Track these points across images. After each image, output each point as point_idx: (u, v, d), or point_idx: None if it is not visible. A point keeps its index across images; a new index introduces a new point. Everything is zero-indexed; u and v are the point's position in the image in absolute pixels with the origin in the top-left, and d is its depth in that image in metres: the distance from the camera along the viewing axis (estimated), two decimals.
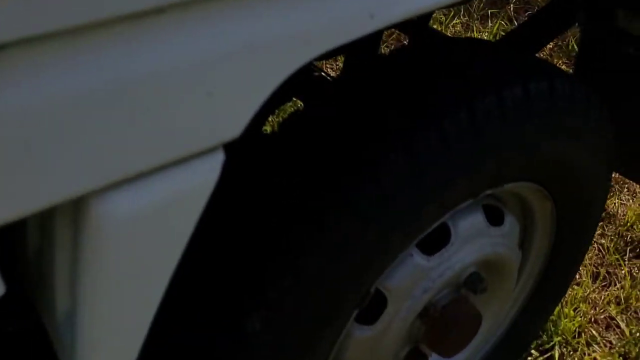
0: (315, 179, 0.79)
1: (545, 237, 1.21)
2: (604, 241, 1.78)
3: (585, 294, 1.62)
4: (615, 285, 1.65)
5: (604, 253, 1.74)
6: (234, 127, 0.48)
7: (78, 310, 0.49)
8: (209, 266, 0.75)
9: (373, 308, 0.96)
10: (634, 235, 1.78)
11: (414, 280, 0.96)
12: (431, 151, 0.80)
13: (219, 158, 0.49)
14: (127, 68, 0.40)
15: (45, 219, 0.49)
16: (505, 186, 0.98)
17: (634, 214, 1.81)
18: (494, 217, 1.06)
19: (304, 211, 0.76)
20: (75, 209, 0.44)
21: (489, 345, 1.34)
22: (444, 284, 1.01)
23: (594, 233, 1.33)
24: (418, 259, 0.95)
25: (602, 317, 1.58)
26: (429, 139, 0.80)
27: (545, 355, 1.47)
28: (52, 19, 0.36)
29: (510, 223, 1.08)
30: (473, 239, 1.01)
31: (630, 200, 1.87)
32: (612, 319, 1.57)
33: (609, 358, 1.46)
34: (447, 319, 1.04)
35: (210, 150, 0.47)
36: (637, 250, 1.76)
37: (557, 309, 1.54)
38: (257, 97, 0.48)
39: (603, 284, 1.67)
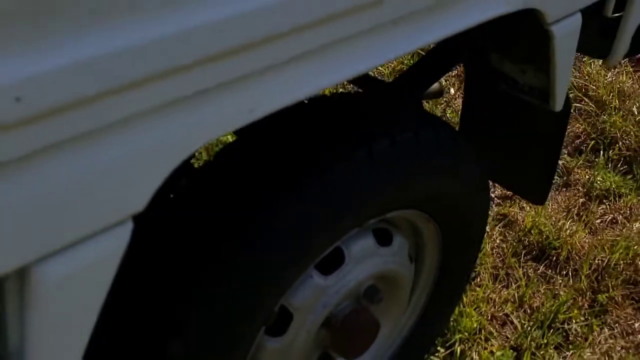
0: (222, 221, 0.97)
1: (434, 252, 1.43)
2: (504, 245, 2.03)
3: (486, 294, 1.86)
4: (512, 285, 1.90)
5: (503, 257, 1.99)
6: (137, 205, 0.66)
7: (25, 347, 0.66)
8: (136, 303, 0.93)
9: (281, 322, 1.15)
10: (530, 240, 2.04)
11: (315, 297, 1.15)
12: (317, 195, 1.00)
13: (128, 227, 0.67)
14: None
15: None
16: (388, 215, 1.19)
17: (531, 220, 2.07)
18: (385, 237, 1.27)
19: (212, 250, 0.95)
20: (20, 275, 0.61)
21: (396, 344, 1.55)
22: (342, 298, 1.21)
23: (480, 245, 1.56)
24: (317, 279, 1.14)
25: (499, 314, 1.82)
26: (315, 185, 1.00)
27: (449, 350, 1.70)
28: None
29: (399, 242, 1.29)
30: (365, 259, 1.21)
31: (528, 208, 2.13)
32: (508, 316, 1.81)
33: (502, 351, 1.70)
34: (347, 327, 1.24)
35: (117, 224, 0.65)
36: (533, 252, 2.01)
37: (459, 308, 1.77)
38: (154, 182, 0.67)
39: (502, 284, 1.91)
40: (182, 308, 0.93)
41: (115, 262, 0.67)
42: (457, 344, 1.71)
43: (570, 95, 2.65)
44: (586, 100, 2.59)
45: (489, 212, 1.78)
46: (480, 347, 1.71)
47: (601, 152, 2.38)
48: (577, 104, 2.57)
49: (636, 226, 2.09)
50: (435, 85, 1.74)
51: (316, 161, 1.00)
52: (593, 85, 2.64)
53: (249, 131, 0.80)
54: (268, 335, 1.14)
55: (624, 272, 1.91)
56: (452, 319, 1.73)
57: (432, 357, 1.69)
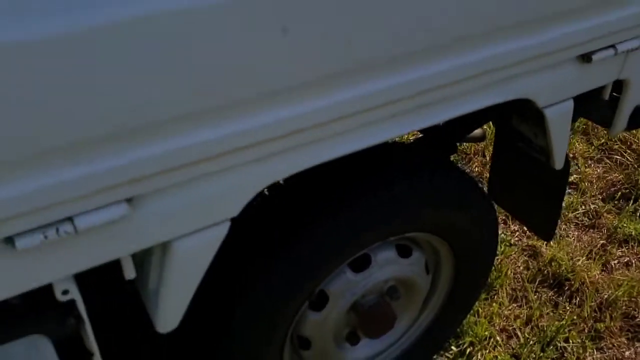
0: (294, 226, 1.42)
1: (448, 268, 1.82)
2: (525, 272, 2.37)
3: (500, 310, 2.21)
4: (524, 306, 2.24)
5: (522, 281, 2.33)
6: (233, 213, 1.13)
7: (160, 291, 1.14)
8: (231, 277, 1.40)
9: (320, 302, 1.59)
10: (548, 270, 2.36)
11: (346, 287, 1.59)
12: (351, 216, 1.44)
13: (227, 224, 1.13)
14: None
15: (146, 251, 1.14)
16: (406, 234, 1.60)
17: (551, 253, 2.40)
18: (406, 251, 1.68)
19: (282, 244, 1.40)
20: (164, 245, 1.09)
21: (414, 337, 1.95)
22: (367, 291, 1.63)
23: (492, 264, 1.93)
24: (349, 274, 1.58)
25: (509, 328, 2.18)
26: (351, 209, 1.43)
27: (460, 349, 2.08)
28: None
29: (417, 256, 1.70)
30: (387, 265, 1.63)
31: (554, 244, 2.45)
32: (515, 330, 2.16)
33: (504, 356, 2.06)
34: (370, 314, 1.67)
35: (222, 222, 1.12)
36: (548, 281, 2.33)
37: (475, 318, 2.14)
38: (244, 201, 1.13)
39: (516, 304, 2.26)
40: (262, 279, 1.39)
41: (218, 244, 1.14)
42: (467, 346, 2.08)
43: (615, 147, 2.92)
44: (628, 152, 2.86)
45: (515, 242, 2.13)
46: (486, 351, 2.08)
47: (631, 201, 2.65)
48: (618, 156, 2.84)
49: None
50: (479, 131, 2.12)
51: (352, 192, 1.44)
52: (636, 139, 2.89)
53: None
54: (310, 309, 1.59)
55: (624, 308, 2.21)
56: (467, 326, 2.11)
57: (445, 353, 2.07)
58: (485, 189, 2.09)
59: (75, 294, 1.07)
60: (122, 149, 0.90)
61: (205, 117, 0.95)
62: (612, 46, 1.48)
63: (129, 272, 1.10)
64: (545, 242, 2.46)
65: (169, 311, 1.19)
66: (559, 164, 1.70)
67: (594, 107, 1.74)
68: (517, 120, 1.75)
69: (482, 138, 2.19)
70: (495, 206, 1.86)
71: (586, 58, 1.45)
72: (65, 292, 1.06)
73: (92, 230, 0.94)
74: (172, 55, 0.86)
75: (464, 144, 2.84)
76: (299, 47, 0.97)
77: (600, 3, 1.38)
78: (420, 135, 2.02)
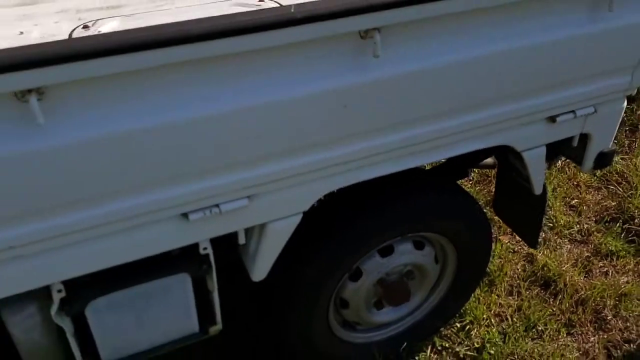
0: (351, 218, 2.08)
1: (453, 260, 2.44)
2: (522, 273, 2.95)
3: (498, 300, 2.81)
4: (517, 298, 2.83)
5: (518, 279, 2.91)
6: (304, 208, 1.80)
7: (256, 254, 1.83)
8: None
9: (356, 275, 2.25)
10: (540, 273, 2.93)
11: (375, 267, 2.24)
12: (381, 218, 2.09)
13: (300, 215, 1.81)
14: None
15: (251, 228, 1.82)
16: (420, 234, 2.24)
17: (544, 260, 2.97)
18: (421, 245, 2.32)
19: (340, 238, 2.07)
20: (262, 226, 1.77)
21: (426, 311, 2.57)
22: (390, 271, 2.28)
23: (487, 261, 2.53)
24: (377, 258, 2.23)
25: (502, 313, 2.77)
26: (379, 214, 2.09)
27: (461, 325, 2.69)
28: None
29: (428, 250, 2.33)
30: (406, 254, 2.27)
31: (549, 253, 3.02)
32: (507, 315, 2.75)
33: (494, 333, 2.65)
34: (392, 288, 2.32)
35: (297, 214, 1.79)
36: (540, 281, 2.90)
37: (477, 303, 2.75)
38: (312, 200, 1.80)
39: (511, 296, 2.85)
40: (321, 254, 2.06)
41: (293, 227, 1.81)
42: (467, 323, 2.69)
43: (613, 179, 3.46)
44: (623, 184, 3.39)
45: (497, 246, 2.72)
46: (481, 329, 2.68)
47: (618, 223, 3.19)
48: (613, 186, 3.38)
49: (622, 279, 2.91)
50: (490, 160, 2.73)
51: (382, 202, 2.09)
52: (631, 173, 3.42)
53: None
54: (349, 280, 2.25)
55: (594, 305, 2.77)
56: (469, 309, 2.72)
57: (450, 328, 2.69)
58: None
59: (210, 250, 1.77)
60: (255, 168, 1.58)
61: (306, 150, 1.62)
62: (573, 112, 2.08)
63: (241, 239, 1.80)
64: (541, 252, 3.04)
65: (260, 267, 1.88)
66: (537, 191, 2.30)
67: (568, 149, 2.33)
68: (512, 157, 2.36)
69: (493, 166, 2.79)
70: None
71: (552, 119, 2.06)
72: (204, 249, 1.76)
73: (228, 212, 1.64)
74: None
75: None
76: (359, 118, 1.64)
77: (560, 83, 1.98)
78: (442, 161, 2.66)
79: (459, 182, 2.86)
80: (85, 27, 2.33)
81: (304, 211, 1.80)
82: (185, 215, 1.60)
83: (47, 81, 1.24)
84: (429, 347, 2.57)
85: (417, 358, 2.52)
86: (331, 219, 2.08)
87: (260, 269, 1.88)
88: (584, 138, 2.26)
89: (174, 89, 1.39)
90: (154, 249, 1.64)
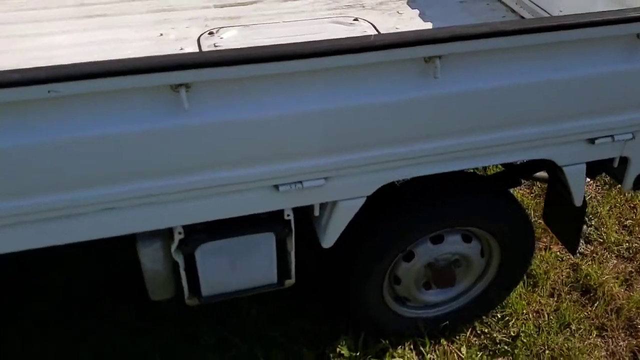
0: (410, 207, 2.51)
1: (497, 256, 2.79)
2: (566, 279, 3.22)
3: (539, 298, 3.11)
4: (557, 299, 3.11)
5: (561, 284, 3.19)
6: (367, 193, 2.23)
7: (327, 225, 2.28)
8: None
9: (409, 257, 2.65)
10: (583, 280, 3.19)
11: (426, 251, 2.63)
12: (435, 210, 2.49)
13: (364, 199, 2.24)
14: None
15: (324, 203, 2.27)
16: (468, 228, 2.61)
17: (588, 269, 3.23)
18: (468, 239, 2.68)
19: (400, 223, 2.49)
20: (333, 203, 2.22)
21: (469, 299, 2.92)
22: (439, 257, 2.66)
23: (530, 260, 2.84)
24: (429, 244, 2.62)
25: (541, 310, 3.07)
26: (435, 207, 2.49)
27: (501, 316, 3.02)
28: None
29: (475, 244, 2.69)
30: (454, 244, 2.65)
31: (594, 265, 3.28)
32: (545, 312, 3.05)
33: (529, 325, 2.96)
34: (440, 272, 2.70)
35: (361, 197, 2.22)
36: (581, 288, 3.17)
37: (517, 299, 3.06)
38: (373, 188, 2.23)
39: (552, 297, 3.14)
40: (381, 234, 2.48)
41: (358, 208, 2.24)
42: (507, 315, 3.02)
43: None
44: None
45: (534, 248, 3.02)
46: (519, 321, 3.00)
47: None
48: None
49: None
50: (544, 175, 3.03)
51: (439, 198, 2.48)
52: None
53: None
54: (403, 260, 2.65)
55: (629, 313, 3.00)
56: (511, 303, 3.04)
57: (491, 317, 3.03)
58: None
59: (292, 217, 2.24)
60: (332, 156, 2.04)
61: (374, 145, 2.06)
62: (611, 136, 2.37)
63: (316, 212, 2.26)
64: (587, 263, 3.30)
65: (329, 237, 2.32)
66: (577, 202, 2.60)
67: (610, 168, 2.61)
68: (559, 171, 2.66)
69: (545, 180, 3.09)
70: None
71: (591, 141, 2.37)
72: (288, 215, 2.24)
73: (308, 189, 2.10)
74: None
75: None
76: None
77: (599, 111, 2.28)
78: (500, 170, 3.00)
79: (513, 191, 3.18)
80: (211, 33, 2.89)
81: (367, 195, 2.23)
82: (276, 186, 2.08)
83: (193, 79, 1.75)
84: (469, 330, 2.92)
85: (457, 337, 2.88)
86: (393, 205, 2.49)
87: (329, 238, 2.33)
88: (625, 160, 2.54)
89: (289, 91, 1.84)
90: (252, 209, 2.13)
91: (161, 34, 2.89)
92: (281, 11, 3.09)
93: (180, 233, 2.16)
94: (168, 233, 2.20)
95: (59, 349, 2.64)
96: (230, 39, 2.76)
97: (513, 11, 3.04)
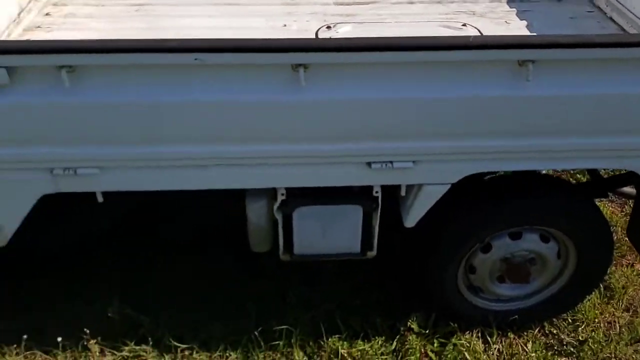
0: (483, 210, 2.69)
1: (573, 260, 2.87)
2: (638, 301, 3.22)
3: (612, 310, 3.14)
4: (631, 314, 3.13)
5: (638, 300, 3.20)
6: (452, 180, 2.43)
7: (411, 206, 2.50)
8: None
9: (487, 249, 2.81)
10: None
11: (504, 245, 2.78)
12: (516, 209, 2.64)
13: (448, 186, 2.44)
14: None
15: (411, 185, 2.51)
16: (547, 229, 2.72)
17: None
18: (546, 239, 2.79)
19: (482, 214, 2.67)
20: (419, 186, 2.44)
21: (542, 299, 3.01)
22: (516, 253, 2.79)
23: (605, 270, 2.90)
24: (507, 239, 2.77)
25: (613, 321, 3.10)
26: (518, 205, 2.64)
27: (574, 319, 3.09)
28: None
29: (552, 244, 2.79)
30: (531, 243, 2.77)
31: None
32: (617, 322, 3.07)
33: (598, 332, 3.00)
34: (514, 267, 2.84)
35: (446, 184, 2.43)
36: None
37: (591, 308, 3.12)
38: (457, 177, 2.43)
39: (627, 312, 3.15)
40: (465, 221, 2.67)
41: (442, 193, 2.45)
42: (578, 320, 3.09)
43: None
44: None
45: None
46: (588, 327, 3.06)
47: None
48: None
49: None
50: (632, 191, 3.06)
51: (524, 196, 2.63)
52: None
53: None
54: (480, 251, 2.82)
55: None
56: (584, 309, 3.11)
57: (562, 320, 3.11)
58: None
59: (379, 194, 2.50)
60: (424, 142, 2.27)
61: (464, 136, 2.25)
62: None
63: (402, 192, 2.49)
64: None
65: (412, 217, 2.55)
66: None
67: None
68: None
69: (631, 196, 3.11)
70: None
71: None
72: (376, 192, 2.49)
73: (398, 169, 2.34)
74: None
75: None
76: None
77: None
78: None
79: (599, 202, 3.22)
80: (328, 27, 3.21)
81: (452, 183, 2.44)
82: (369, 164, 2.34)
83: (310, 61, 2.05)
84: (537, 328, 3.03)
85: (525, 333, 3.00)
86: (478, 196, 2.66)
87: (411, 218, 2.55)
88: None
89: (390, 78, 2.10)
90: (345, 182, 2.41)
91: (285, 25, 3.23)
92: (395, 12, 3.33)
93: (282, 194, 2.48)
94: (272, 194, 2.53)
95: (168, 280, 3.07)
96: (345, 34, 3.05)
97: (623, 30, 3.08)
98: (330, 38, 2.28)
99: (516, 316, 3.00)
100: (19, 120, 2.10)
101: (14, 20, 2.89)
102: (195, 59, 1.99)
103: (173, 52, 1.98)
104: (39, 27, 3.08)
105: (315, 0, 3.49)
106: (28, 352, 2.74)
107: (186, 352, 2.80)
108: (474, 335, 2.94)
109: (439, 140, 2.28)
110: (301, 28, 3.17)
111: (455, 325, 2.92)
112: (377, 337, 2.87)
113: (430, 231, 2.70)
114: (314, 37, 3.02)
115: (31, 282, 3.05)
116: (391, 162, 2.33)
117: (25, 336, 2.70)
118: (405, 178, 2.41)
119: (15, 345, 2.73)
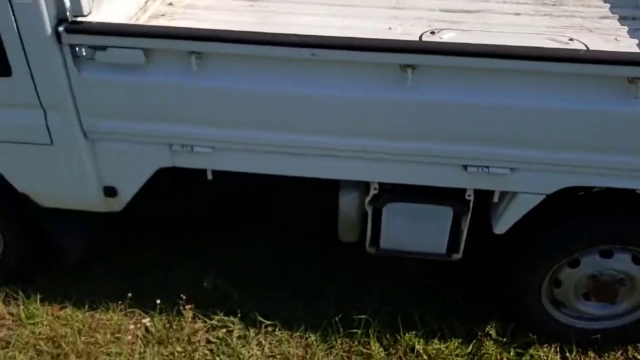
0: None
1: None
2: None
3: None
4: None
5: None
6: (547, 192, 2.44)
7: (503, 213, 2.53)
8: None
9: (574, 264, 2.77)
10: None
11: (592, 262, 2.73)
12: (609, 228, 2.60)
13: (543, 196, 2.45)
14: None
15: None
16: (636, 249, 2.65)
17: None
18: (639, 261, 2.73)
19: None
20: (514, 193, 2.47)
21: (629, 321, 2.92)
22: (604, 272, 2.74)
23: None
24: (596, 257, 2.72)
25: None
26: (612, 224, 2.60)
27: None
28: None
29: None
30: (622, 263, 2.71)
31: None
32: None
33: None
34: (601, 286, 2.78)
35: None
36: None
37: None
38: (551, 189, 2.43)
39: None
40: (557, 235, 2.65)
41: (534, 204, 2.46)
42: None
43: None
44: None
45: None
46: None
47: None
48: None
49: None
50: None
51: (616, 214, 2.59)
52: None
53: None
54: (567, 265, 2.79)
55: None
56: None
57: None
58: None
59: (472, 198, 2.54)
60: (522, 150, 2.30)
61: (561, 148, 2.27)
62: None
63: (495, 198, 2.52)
64: None
65: (503, 224, 2.57)
66: None
67: None
68: None
69: None
70: None
71: None
72: (469, 195, 2.54)
73: (493, 175, 2.37)
74: None
75: None
76: None
77: None
78: None
79: None
80: (432, 32, 3.27)
81: (547, 194, 2.44)
82: (465, 167, 2.40)
83: (419, 62, 2.14)
84: (620, 351, 2.95)
85: (606, 354, 2.93)
86: (571, 209, 2.64)
87: (502, 225, 2.58)
88: None
89: (493, 84, 2.15)
90: (439, 182, 2.48)
91: (389, 28, 3.32)
92: (501, 22, 3.32)
93: (375, 189, 2.58)
94: (365, 187, 2.63)
95: (258, 259, 3.25)
96: (449, 40, 3.10)
97: None
98: (440, 41, 2.35)
99: (598, 335, 2.93)
100: (149, 97, 2.32)
101: (141, 8, 3.15)
102: (312, 54, 2.12)
103: (292, 46, 2.13)
104: (162, 15, 3.33)
105: (421, 6, 3.55)
106: (129, 310, 2.99)
107: (269, 329, 2.95)
108: (552, 349, 2.91)
109: (538, 150, 2.30)
110: (405, 32, 3.24)
111: (534, 336, 2.91)
112: (453, 339, 2.91)
113: (518, 240, 2.71)
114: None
115: (139, 247, 3.32)
116: (488, 167, 2.37)
117: (130, 294, 2.95)
118: (501, 184, 2.45)
119: (120, 302, 2.99)
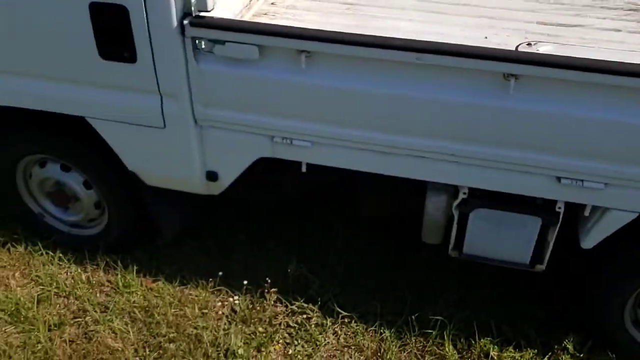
0: None
1: None
2: None
3: None
4: None
5: None
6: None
7: (594, 227, 2.51)
8: None
9: None
10: None
11: None
12: None
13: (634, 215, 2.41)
14: None
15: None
16: None
17: None
18: None
19: None
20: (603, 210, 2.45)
21: None
22: None
23: None
24: None
25: None
26: None
27: None
28: None
29: None
30: None
31: None
32: None
33: None
34: None
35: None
36: None
37: None
38: None
39: None
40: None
41: (626, 222, 2.42)
42: None
43: None
44: None
45: None
46: None
47: None
48: None
49: None
50: None
51: None
52: None
53: None
54: None
55: None
56: None
57: None
58: None
59: (562, 210, 2.53)
60: (616, 165, 2.27)
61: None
62: None
63: (587, 212, 2.49)
64: None
65: (591, 239, 2.55)
66: None
67: None
68: None
69: None
70: None
71: None
72: (559, 208, 2.53)
73: (587, 189, 2.36)
74: None
75: None
76: None
77: None
78: None
79: None
80: (529, 44, 3.25)
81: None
82: (558, 178, 2.40)
83: (524, 72, 2.17)
84: None
85: None
86: None
87: (590, 240, 2.55)
88: None
89: (602, 100, 2.16)
90: (530, 192, 2.49)
91: (485, 37, 3.33)
92: (599, 38, 3.27)
93: (464, 193, 2.62)
94: (453, 191, 2.68)
95: (340, 251, 3.35)
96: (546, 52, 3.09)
97: None
98: (549, 54, 2.37)
99: None
100: (258, 91, 2.46)
101: (246, 6, 3.32)
102: (417, 59, 2.20)
103: (398, 49, 2.21)
104: (265, 14, 3.49)
105: (518, 17, 3.53)
106: (217, 288, 3.17)
107: (345, 320, 3.04)
108: None
109: (636, 167, 2.27)
110: (501, 42, 3.23)
111: (613, 355, 2.86)
112: (528, 349, 2.90)
113: (605, 257, 2.68)
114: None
115: (228, 230, 3.50)
116: (582, 180, 2.37)
117: (220, 273, 3.12)
118: (593, 199, 2.43)
119: (210, 279, 3.17)
